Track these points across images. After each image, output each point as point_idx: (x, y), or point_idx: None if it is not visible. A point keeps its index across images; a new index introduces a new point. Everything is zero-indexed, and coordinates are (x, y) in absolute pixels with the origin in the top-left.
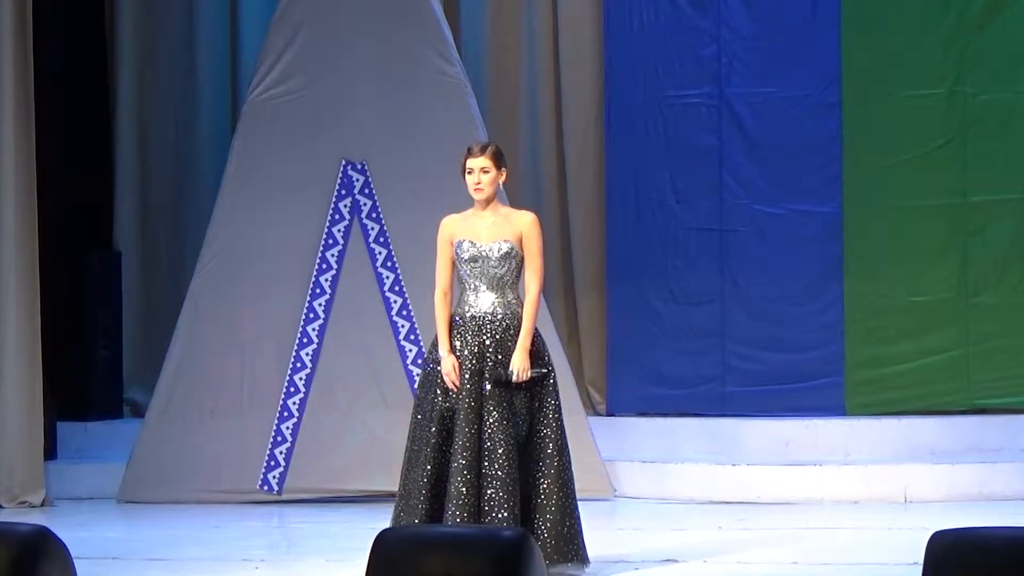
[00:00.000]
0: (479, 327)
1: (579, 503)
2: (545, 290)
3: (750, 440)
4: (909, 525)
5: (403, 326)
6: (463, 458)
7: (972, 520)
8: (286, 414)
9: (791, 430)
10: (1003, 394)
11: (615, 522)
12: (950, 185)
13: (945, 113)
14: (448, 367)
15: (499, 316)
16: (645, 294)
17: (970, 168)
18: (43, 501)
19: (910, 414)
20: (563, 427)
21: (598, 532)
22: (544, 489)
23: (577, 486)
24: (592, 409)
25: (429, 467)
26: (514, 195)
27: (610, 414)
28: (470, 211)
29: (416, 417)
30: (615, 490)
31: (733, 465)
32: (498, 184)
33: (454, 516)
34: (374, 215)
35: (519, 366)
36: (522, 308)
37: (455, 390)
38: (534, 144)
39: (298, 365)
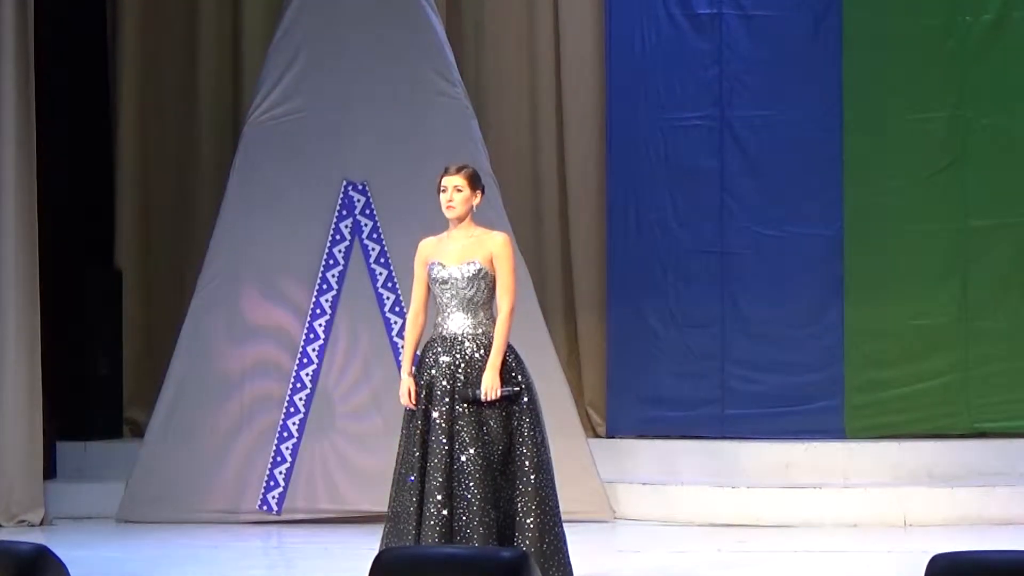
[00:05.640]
0: (451, 347)
1: (580, 524)
2: (546, 312)
3: (750, 463)
4: (909, 548)
5: (403, 347)
6: (435, 479)
7: (972, 544)
8: (286, 434)
9: (791, 453)
10: (1003, 418)
11: (615, 544)
12: (951, 209)
13: (946, 137)
14: (403, 389)
15: (470, 336)
16: (645, 316)
17: (971, 192)
18: (42, 520)
19: (910, 437)
20: (542, 445)
21: (598, 554)
22: (522, 507)
23: (577, 507)
24: (592, 431)
25: (418, 491)
26: (515, 217)
27: (610, 436)
28: (445, 233)
29: (403, 441)
30: (615, 512)
31: (733, 488)
32: (471, 205)
33: (427, 537)
34: (375, 236)
35: (488, 385)
36: (494, 328)
37: (423, 411)
38: (535, 165)
39: (298, 385)
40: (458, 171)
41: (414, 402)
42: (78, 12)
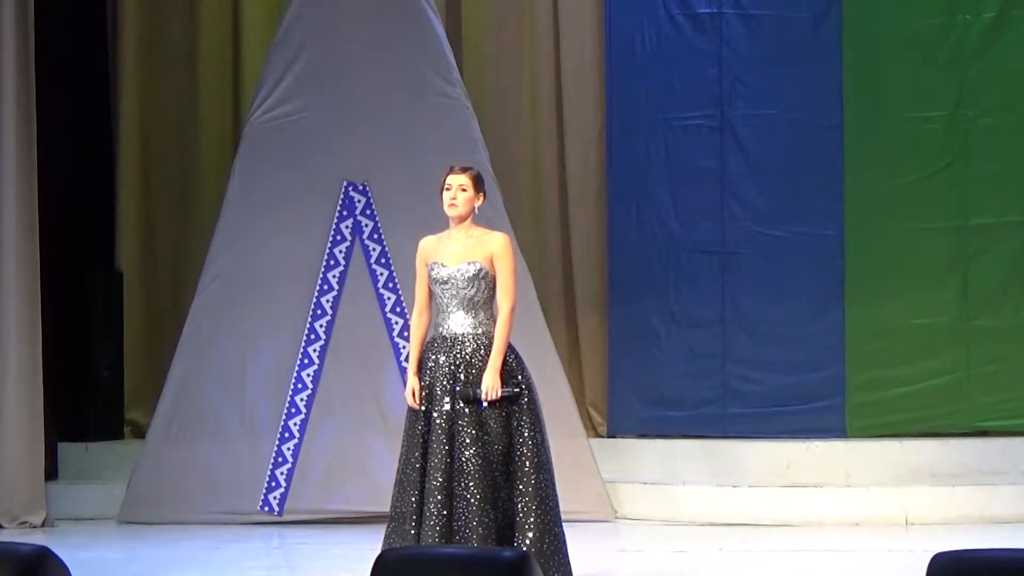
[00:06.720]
0: (451, 347)
1: (582, 524)
2: (546, 312)
3: (751, 462)
4: (910, 547)
5: (404, 347)
6: (435, 479)
7: (973, 542)
8: (287, 435)
9: (792, 452)
10: (1004, 416)
11: (616, 544)
12: (951, 208)
13: (946, 136)
14: (409, 390)
15: (470, 336)
16: (646, 316)
17: (971, 191)
18: (44, 521)
19: (911, 436)
20: (542, 445)
21: (599, 554)
22: (523, 507)
23: (578, 507)
24: (593, 431)
25: (418, 491)
26: (516, 217)
27: (611, 436)
28: (445, 232)
29: (405, 441)
30: (616, 512)
31: (734, 487)
32: (473, 206)
33: (427, 537)
34: (375, 236)
35: (488, 385)
36: (495, 328)
37: (424, 411)
38: (536, 166)
39: (299, 386)
40: (463, 171)
41: (418, 402)
42: (79, 14)
